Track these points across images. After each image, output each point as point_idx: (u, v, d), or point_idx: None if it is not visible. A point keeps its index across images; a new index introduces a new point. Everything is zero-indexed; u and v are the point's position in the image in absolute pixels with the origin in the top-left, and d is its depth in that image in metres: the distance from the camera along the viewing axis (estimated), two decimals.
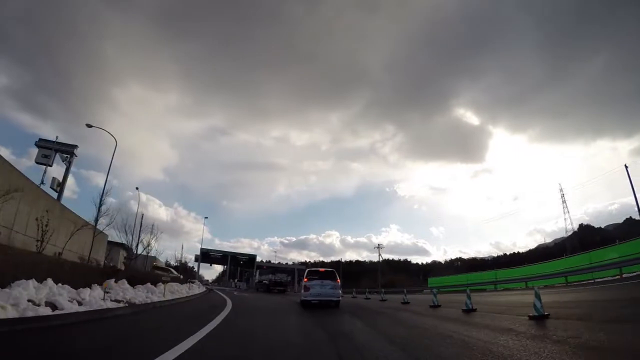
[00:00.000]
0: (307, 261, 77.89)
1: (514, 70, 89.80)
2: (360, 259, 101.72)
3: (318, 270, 14.77)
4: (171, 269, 35.81)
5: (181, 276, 54.43)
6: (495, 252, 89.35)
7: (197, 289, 29.17)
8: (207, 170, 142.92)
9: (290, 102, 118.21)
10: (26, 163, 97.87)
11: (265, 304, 16.62)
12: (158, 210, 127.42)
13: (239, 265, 66.33)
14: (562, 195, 56.84)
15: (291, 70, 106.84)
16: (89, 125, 22.66)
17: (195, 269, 64.77)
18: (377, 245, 72.20)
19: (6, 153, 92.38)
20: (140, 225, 32.91)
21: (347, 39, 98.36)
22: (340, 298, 13.50)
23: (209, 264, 70.84)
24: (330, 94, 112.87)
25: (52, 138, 32.74)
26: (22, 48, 79.14)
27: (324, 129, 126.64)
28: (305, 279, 13.79)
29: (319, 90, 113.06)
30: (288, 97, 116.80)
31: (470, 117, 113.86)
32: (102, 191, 21.22)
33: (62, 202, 28.39)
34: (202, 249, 60.26)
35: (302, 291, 13.63)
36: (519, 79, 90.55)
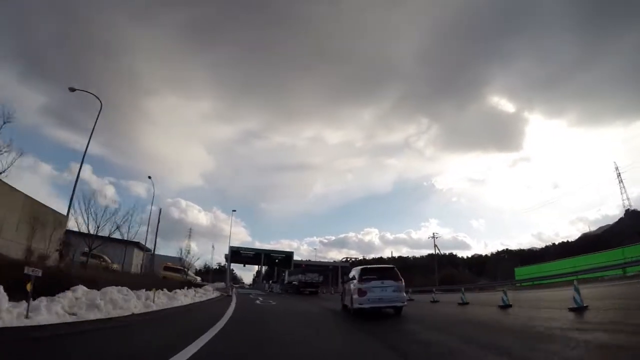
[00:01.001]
0: (348, 258, 69.13)
1: (546, 51, 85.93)
2: (402, 255, 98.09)
3: (376, 268, 12.23)
4: (186, 270, 30.00)
5: (198, 278, 49.58)
6: (537, 244, 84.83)
7: (206, 294, 22.45)
8: (243, 174, 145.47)
9: (321, 101, 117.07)
10: (67, 178, 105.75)
11: (287, 317, 11.92)
12: (198, 216, 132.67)
13: (275, 265, 59.88)
14: (619, 175, 51.86)
15: (321, 69, 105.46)
16: (72, 89, 19.84)
17: (230, 270, 59.46)
18: (431, 235, 62.10)
19: (48, 168, 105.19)
20: (158, 221, 28.17)
21: (375, 33, 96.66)
22: (406, 303, 11.05)
23: (242, 265, 65.47)
24: (361, 90, 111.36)
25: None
26: (57, 68, 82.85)
27: (357, 126, 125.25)
28: (359, 280, 10.94)
29: (350, 87, 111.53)
30: (319, 96, 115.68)
31: (505, 105, 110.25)
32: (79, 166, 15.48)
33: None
34: (231, 248, 54.22)
35: (355, 296, 10.75)
36: (552, 61, 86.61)
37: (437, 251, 61.17)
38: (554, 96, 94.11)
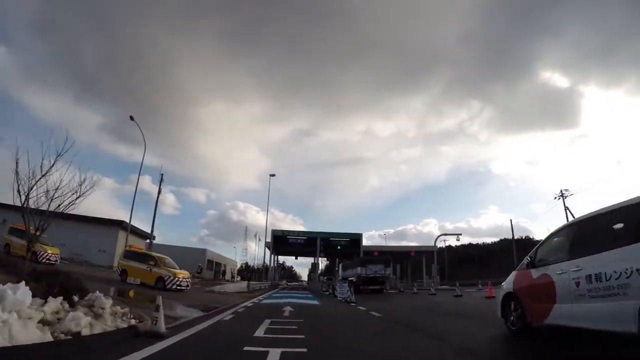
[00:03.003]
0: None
1: (597, 18, 79.08)
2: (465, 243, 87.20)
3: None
4: (156, 257, 14.54)
5: (237, 277, 35.64)
6: None
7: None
8: (297, 172, 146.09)
9: (369, 94, 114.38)
10: (128, 189, 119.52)
11: None
12: (256, 217, 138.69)
13: (336, 255, 43.22)
14: None
15: (365, 61, 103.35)
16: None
17: (275, 263, 43.91)
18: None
19: (110, 182, 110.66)
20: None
21: (417, 19, 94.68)
22: None
23: (294, 257, 50.01)
24: (408, 78, 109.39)
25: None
26: (109, 89, 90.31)
27: (408, 115, 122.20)
28: None
29: (396, 76, 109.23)
30: (366, 88, 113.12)
31: (558, 79, 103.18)
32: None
33: None
34: (274, 232, 38.84)
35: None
36: (604, 28, 79.20)
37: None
38: (609, 65, 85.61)
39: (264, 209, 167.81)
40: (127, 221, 24.40)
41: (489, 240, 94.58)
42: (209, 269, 42.95)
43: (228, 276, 49.85)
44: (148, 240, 28.02)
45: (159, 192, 29.16)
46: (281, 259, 63.90)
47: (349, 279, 30.17)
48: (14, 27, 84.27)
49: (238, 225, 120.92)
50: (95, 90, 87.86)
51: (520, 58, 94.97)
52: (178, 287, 15.14)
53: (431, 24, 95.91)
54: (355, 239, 38.83)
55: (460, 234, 36.11)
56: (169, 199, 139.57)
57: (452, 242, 54.99)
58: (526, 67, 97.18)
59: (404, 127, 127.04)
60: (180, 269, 16.51)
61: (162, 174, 29.50)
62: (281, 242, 38.08)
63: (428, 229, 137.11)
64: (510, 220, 46.97)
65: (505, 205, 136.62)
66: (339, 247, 38.15)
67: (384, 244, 64.31)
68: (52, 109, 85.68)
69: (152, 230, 28.59)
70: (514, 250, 38.25)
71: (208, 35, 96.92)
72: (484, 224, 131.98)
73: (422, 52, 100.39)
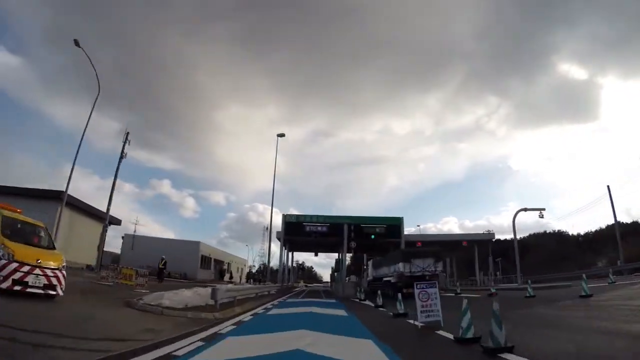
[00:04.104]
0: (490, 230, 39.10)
1: (613, 7, 75.07)
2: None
3: None
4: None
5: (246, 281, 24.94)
6: (626, 219, 61.93)
7: None
8: (315, 173, 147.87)
9: (385, 92, 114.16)
10: (149, 193, 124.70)
11: None
12: (275, 218, 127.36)
13: (369, 248, 33.59)
14: None
15: (380, 59, 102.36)
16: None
17: (285, 258, 34.61)
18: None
19: (131, 187, 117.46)
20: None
21: (430, 15, 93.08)
22: None
23: (311, 254, 40.95)
24: (423, 75, 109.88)
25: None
26: (124, 95, 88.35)
27: (425, 113, 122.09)
28: None
29: (411, 73, 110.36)
30: (382, 87, 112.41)
31: (576, 72, 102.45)
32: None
33: None
34: (286, 218, 29.64)
35: None
36: (621, 16, 76.25)
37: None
38: (628, 54, 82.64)
39: (282, 210, 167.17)
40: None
41: (509, 237, 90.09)
42: (204, 268, 34.15)
43: (235, 278, 41.05)
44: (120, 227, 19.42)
45: (122, 156, 20.78)
46: (298, 257, 55.02)
47: (385, 279, 22.73)
48: (29, 37, 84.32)
49: (257, 227, 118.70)
50: (112, 97, 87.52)
51: (536, 51, 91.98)
52: (28, 289, 6.11)
53: (445, 19, 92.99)
54: (394, 225, 28.92)
55: (544, 209, 25.61)
56: (188, 203, 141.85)
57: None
58: (543, 60, 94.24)
59: (421, 125, 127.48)
60: (55, 252, 7.45)
61: (128, 133, 21.51)
62: (296, 231, 28.69)
63: (448, 227, 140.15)
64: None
65: (526, 202, 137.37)
66: (373, 237, 28.43)
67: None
68: (69, 117, 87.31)
69: (108, 209, 19.94)
70: (618, 240, 27.34)
71: (223, 38, 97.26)
72: (505, 221, 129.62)
73: (436, 49, 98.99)
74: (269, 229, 30.58)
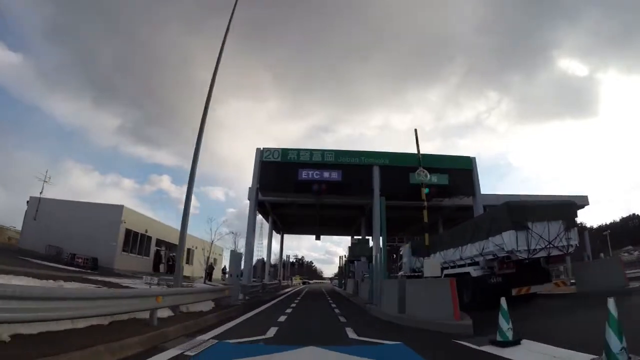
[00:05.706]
0: None
1: (614, 0, 58.31)
2: None
3: None
4: None
5: None
6: None
7: None
8: None
9: (385, 88, 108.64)
10: (148, 189, 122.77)
11: None
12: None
13: (403, 222, 20.47)
14: None
15: (380, 55, 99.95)
16: None
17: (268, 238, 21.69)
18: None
19: (130, 182, 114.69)
20: None
21: (429, 10, 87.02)
22: None
23: (305, 237, 28.51)
24: (424, 70, 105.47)
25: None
26: (125, 91, 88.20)
27: (425, 109, 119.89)
28: None
29: (412, 68, 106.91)
30: (382, 82, 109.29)
31: (577, 67, 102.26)
32: None
33: None
34: (263, 154, 16.34)
35: None
36: (621, 10, 70.46)
37: None
38: (628, 49, 78.07)
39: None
40: None
41: None
42: (133, 252, 20.81)
43: (197, 271, 27.98)
44: None
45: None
46: (293, 247, 41.95)
47: (459, 271, 10.86)
48: (30, 34, 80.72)
49: (257, 223, 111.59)
50: (113, 92, 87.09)
51: (537, 46, 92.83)
52: None
53: (443, 15, 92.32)
54: (461, 171, 16.03)
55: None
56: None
57: None
58: (544, 55, 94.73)
59: (422, 120, 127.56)
60: None
61: None
62: (282, 182, 15.58)
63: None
64: None
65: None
66: (427, 190, 15.16)
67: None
68: (71, 114, 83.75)
69: None
70: None
71: (223, 34, 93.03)
72: None
73: (437, 44, 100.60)
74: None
